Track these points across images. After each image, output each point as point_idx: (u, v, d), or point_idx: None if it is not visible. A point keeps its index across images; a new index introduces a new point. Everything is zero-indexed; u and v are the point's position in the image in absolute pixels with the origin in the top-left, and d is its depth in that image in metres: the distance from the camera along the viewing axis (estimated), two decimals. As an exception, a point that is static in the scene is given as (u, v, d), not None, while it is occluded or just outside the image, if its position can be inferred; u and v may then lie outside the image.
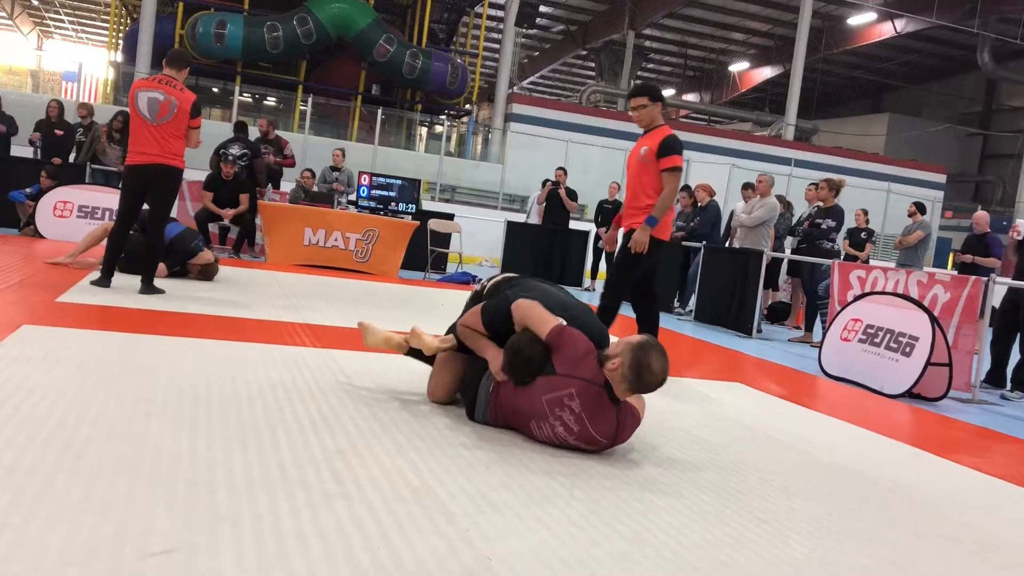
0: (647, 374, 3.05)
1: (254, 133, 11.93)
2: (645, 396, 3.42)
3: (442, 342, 3.77)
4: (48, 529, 1.97)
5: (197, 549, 1.97)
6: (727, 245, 10.46)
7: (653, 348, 3.09)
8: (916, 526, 2.91)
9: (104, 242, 6.51)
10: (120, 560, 1.86)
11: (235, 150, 10.84)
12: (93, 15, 36.30)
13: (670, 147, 5.13)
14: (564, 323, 3.26)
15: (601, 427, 3.15)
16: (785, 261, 10.15)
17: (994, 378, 7.04)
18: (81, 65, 19.32)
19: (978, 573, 2.53)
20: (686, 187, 12.08)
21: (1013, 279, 6.95)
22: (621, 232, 5.61)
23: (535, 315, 3.28)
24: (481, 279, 4.01)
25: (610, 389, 3.12)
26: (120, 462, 2.49)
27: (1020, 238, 7.09)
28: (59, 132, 11.37)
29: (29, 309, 4.93)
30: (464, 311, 3.73)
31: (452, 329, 3.82)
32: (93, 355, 3.89)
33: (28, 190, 9.92)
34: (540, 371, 3.20)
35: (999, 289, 6.66)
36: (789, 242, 9.81)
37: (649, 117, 5.25)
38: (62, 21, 38.86)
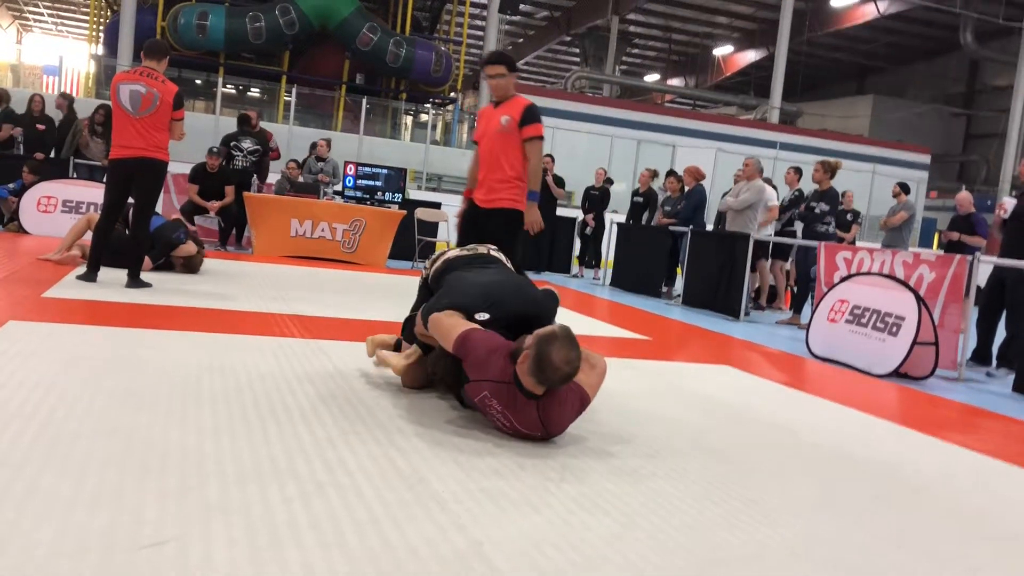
0: (548, 368, 2.92)
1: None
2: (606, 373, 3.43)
3: (407, 357, 3.78)
4: (39, 523, 1.96)
5: (189, 540, 1.97)
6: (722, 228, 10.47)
7: (557, 339, 2.94)
8: (905, 504, 2.94)
9: (89, 234, 6.47)
10: (111, 552, 1.86)
11: (248, 144, 10.79)
12: (73, 8, 35.95)
13: (534, 115, 5.09)
14: (471, 327, 3.20)
15: (523, 421, 3.09)
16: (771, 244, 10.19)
17: (980, 356, 7.09)
18: (62, 59, 19.13)
19: (966, 548, 2.56)
20: (672, 172, 12.09)
21: (999, 257, 6.99)
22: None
23: (442, 332, 3.27)
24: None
25: (520, 384, 3.02)
26: (110, 455, 2.48)
27: (1006, 215, 7.12)
28: (41, 127, 11.27)
29: (15, 305, 4.90)
30: (417, 298, 3.87)
31: (407, 322, 3.87)
32: (80, 350, 3.87)
33: (11, 186, 9.84)
34: (459, 382, 3.23)
35: (984, 268, 6.70)
36: (773, 226, 9.84)
37: (506, 87, 5.16)
38: (41, 15, 38.48)
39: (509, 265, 3.96)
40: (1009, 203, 7.13)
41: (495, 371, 3.07)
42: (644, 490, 2.75)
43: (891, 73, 34.00)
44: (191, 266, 7.31)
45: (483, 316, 3.30)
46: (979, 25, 26.35)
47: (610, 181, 13.15)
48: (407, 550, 2.06)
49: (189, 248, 7.29)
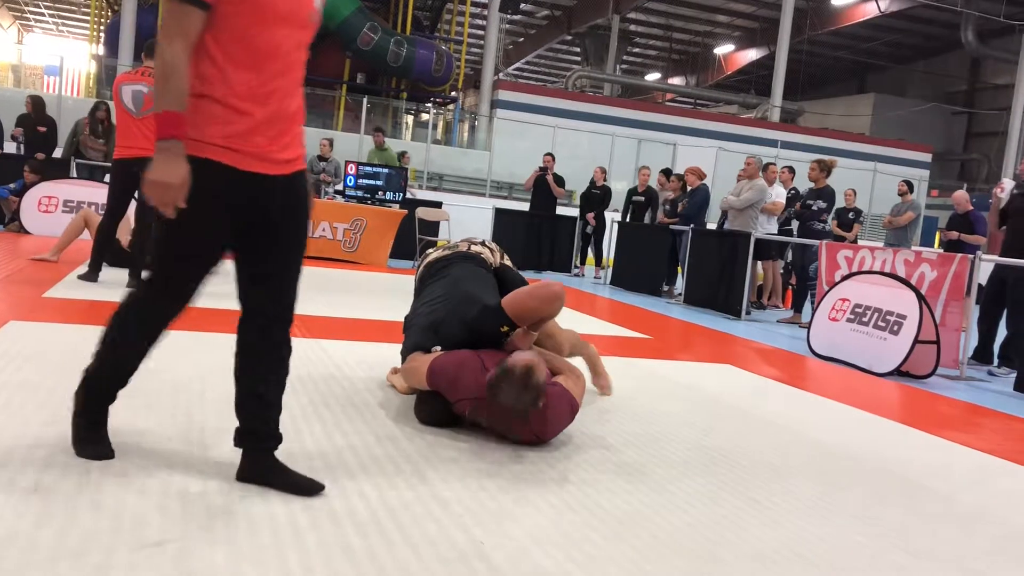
0: (502, 412, 2.92)
1: None
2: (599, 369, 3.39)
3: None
4: (40, 524, 1.97)
5: (190, 540, 1.97)
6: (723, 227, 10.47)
7: (503, 383, 2.87)
8: (906, 502, 2.94)
9: (87, 233, 6.46)
10: (113, 553, 1.86)
11: None
12: (73, 8, 35.94)
13: None
14: (432, 357, 3.21)
15: (515, 432, 3.07)
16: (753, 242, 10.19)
17: (981, 355, 7.08)
18: (62, 59, 19.13)
19: (967, 546, 2.56)
20: (666, 171, 12.10)
21: (1000, 255, 6.99)
22: None
23: (415, 379, 3.27)
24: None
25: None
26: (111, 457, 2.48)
27: (1003, 195, 7.09)
28: (42, 128, 11.27)
29: (16, 305, 4.90)
30: (415, 293, 3.89)
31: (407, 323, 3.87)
32: (81, 350, 3.86)
33: (12, 185, 9.84)
34: (445, 413, 3.21)
35: (985, 266, 6.69)
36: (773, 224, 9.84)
37: None
38: (42, 15, 38.48)
39: (489, 257, 3.94)
40: (1008, 184, 7.08)
41: (470, 387, 3.05)
42: (645, 489, 2.75)
43: (892, 71, 33.95)
44: None
45: (437, 349, 3.31)
46: (980, 23, 26.31)
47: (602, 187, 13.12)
48: (409, 550, 2.06)
49: None
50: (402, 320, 3.78)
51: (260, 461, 2.38)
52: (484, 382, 3.00)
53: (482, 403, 3.03)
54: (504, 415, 2.95)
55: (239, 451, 2.43)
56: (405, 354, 3.44)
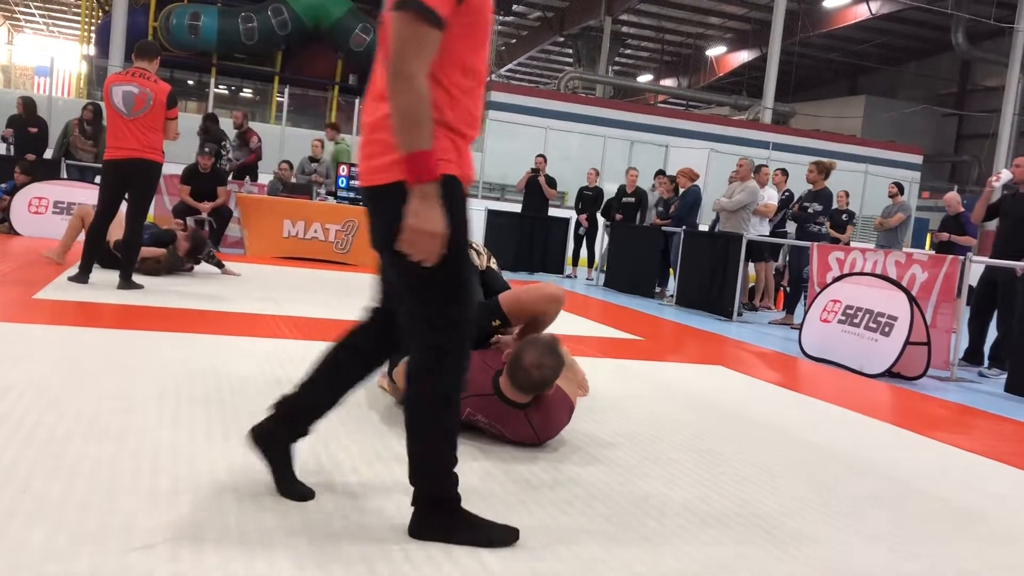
0: (518, 370, 2.91)
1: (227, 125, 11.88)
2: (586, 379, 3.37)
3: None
4: (29, 525, 1.96)
5: (180, 543, 1.96)
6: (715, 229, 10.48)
7: (534, 344, 2.92)
8: (897, 502, 2.95)
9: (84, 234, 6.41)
10: (102, 555, 1.85)
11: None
12: (64, 8, 35.79)
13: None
14: None
15: (513, 431, 3.07)
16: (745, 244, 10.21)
17: (972, 356, 7.11)
18: (53, 59, 19.07)
19: (957, 546, 2.57)
20: (661, 172, 12.09)
21: (991, 257, 7.02)
22: None
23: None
24: None
25: (501, 394, 3.00)
26: (101, 458, 2.47)
27: (997, 183, 7.11)
28: (32, 129, 11.23)
29: (6, 306, 4.88)
30: None
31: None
32: (72, 351, 3.85)
33: (2, 186, 9.80)
34: None
35: (976, 268, 6.72)
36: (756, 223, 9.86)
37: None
38: (32, 15, 38.31)
39: (475, 260, 3.88)
40: (1005, 175, 7.09)
41: (475, 386, 3.03)
42: (637, 491, 2.75)
43: (883, 73, 34.08)
44: (151, 268, 6.97)
45: None
46: (971, 26, 26.42)
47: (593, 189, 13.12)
48: (401, 553, 2.06)
49: (154, 251, 7.05)
50: None
51: (278, 433, 2.32)
52: (489, 379, 3.00)
53: (485, 401, 3.02)
54: (520, 385, 2.93)
55: (226, 451, 2.41)
56: (394, 365, 3.36)
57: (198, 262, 7.57)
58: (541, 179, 12.84)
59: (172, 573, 1.81)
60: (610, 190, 13.61)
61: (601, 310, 8.61)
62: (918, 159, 25.39)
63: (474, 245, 4.06)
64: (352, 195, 11.06)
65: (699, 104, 34.51)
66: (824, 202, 9.04)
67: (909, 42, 31.68)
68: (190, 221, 9.58)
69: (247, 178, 11.62)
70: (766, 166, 10.35)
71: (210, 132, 11.24)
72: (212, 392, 3.39)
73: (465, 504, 2.18)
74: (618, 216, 12.14)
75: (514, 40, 37.54)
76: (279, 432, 2.32)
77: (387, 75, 1.96)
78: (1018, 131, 25.68)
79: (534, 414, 3.04)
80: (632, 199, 12.21)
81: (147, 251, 6.85)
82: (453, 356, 2.09)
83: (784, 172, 10.20)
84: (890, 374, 6.03)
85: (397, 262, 2.05)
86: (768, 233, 9.80)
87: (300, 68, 21.57)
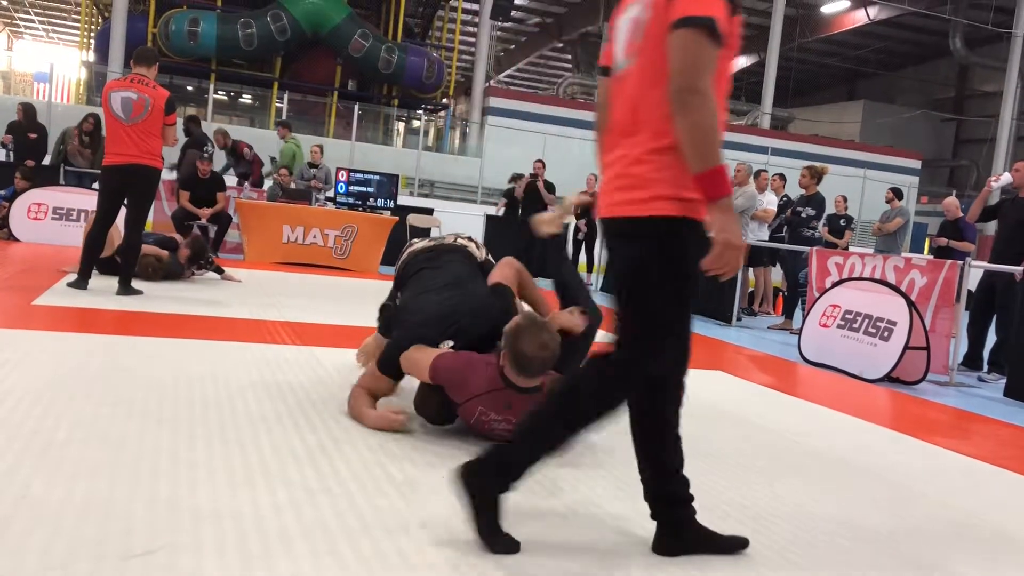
0: (526, 361, 2.90)
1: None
2: None
3: (380, 419, 3.35)
4: (28, 531, 1.95)
5: (179, 548, 1.96)
6: None
7: (523, 331, 2.92)
8: (896, 507, 2.95)
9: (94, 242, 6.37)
10: (101, 561, 1.85)
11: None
12: (64, 15, 35.85)
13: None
14: (439, 354, 3.16)
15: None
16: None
17: (971, 361, 7.11)
18: (53, 66, 19.08)
19: (956, 551, 2.56)
20: None
21: (990, 262, 7.02)
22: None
23: (416, 369, 3.21)
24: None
25: (510, 383, 3.00)
26: (100, 463, 2.47)
27: (996, 184, 7.13)
28: (32, 135, 11.23)
29: (5, 312, 4.88)
30: (398, 281, 3.85)
31: (383, 311, 3.96)
32: (71, 357, 3.85)
33: (2, 192, 9.80)
34: (445, 411, 3.19)
35: (975, 273, 6.72)
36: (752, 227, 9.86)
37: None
38: (32, 21, 38.37)
39: (475, 252, 3.91)
40: (1005, 177, 7.09)
41: (481, 384, 3.03)
42: (636, 496, 2.75)
43: (881, 79, 34.13)
44: (150, 265, 6.85)
45: (448, 344, 3.27)
46: (969, 31, 26.47)
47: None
48: (399, 557, 2.06)
49: (156, 249, 7.01)
50: None
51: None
52: (495, 374, 3.00)
53: (494, 396, 3.01)
54: (534, 372, 2.93)
55: (225, 457, 2.41)
56: (399, 347, 3.31)
57: (200, 269, 7.56)
58: (540, 184, 12.86)
59: (171, 579, 1.81)
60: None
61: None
62: (916, 164, 25.44)
63: (472, 239, 4.07)
64: (352, 201, 11.07)
65: (698, 109, 34.49)
66: (817, 207, 9.05)
67: (907, 47, 31.73)
68: (195, 229, 9.56)
69: (247, 184, 11.63)
70: (765, 171, 10.35)
71: (192, 134, 11.23)
72: (211, 398, 3.39)
73: (462, 509, 2.17)
74: None
75: (513, 46, 37.60)
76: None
77: (675, 91, 1.94)
78: (1016, 136, 25.71)
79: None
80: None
81: (149, 248, 6.81)
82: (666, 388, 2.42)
83: (782, 177, 10.20)
84: (889, 379, 6.03)
85: (640, 294, 2.16)
86: (767, 238, 9.80)
87: (299, 74, 21.60)
